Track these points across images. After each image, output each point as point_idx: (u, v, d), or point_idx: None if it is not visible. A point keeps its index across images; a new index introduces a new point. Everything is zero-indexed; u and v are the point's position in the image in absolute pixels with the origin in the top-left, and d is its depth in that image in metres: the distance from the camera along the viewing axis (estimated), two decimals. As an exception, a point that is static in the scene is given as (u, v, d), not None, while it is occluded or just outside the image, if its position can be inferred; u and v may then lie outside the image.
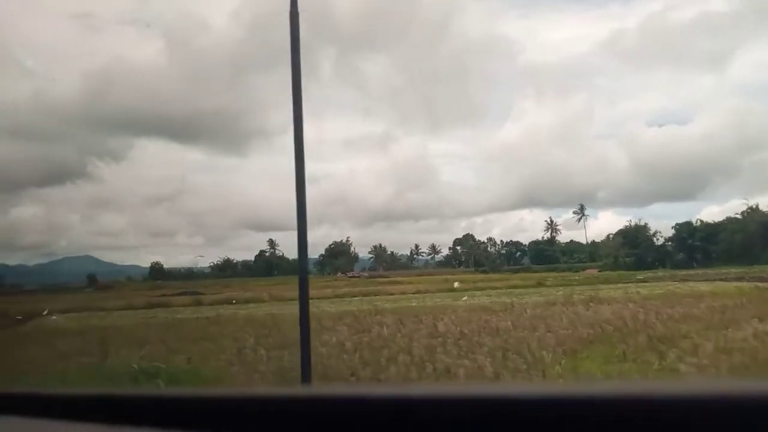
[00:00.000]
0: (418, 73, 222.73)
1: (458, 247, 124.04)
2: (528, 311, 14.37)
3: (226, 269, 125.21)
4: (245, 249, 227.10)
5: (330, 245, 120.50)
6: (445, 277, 61.76)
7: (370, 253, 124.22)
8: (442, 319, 13.23)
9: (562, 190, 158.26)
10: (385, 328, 12.09)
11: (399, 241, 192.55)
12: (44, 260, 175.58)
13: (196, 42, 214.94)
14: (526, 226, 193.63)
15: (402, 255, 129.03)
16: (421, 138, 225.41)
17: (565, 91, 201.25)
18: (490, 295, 26.54)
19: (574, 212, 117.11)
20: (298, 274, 5.59)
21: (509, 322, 11.67)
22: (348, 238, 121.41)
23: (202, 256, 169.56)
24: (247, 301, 30.65)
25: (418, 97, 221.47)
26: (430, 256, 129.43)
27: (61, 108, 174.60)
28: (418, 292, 33.27)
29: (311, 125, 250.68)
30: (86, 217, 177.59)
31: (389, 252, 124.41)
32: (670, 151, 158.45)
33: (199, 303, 31.12)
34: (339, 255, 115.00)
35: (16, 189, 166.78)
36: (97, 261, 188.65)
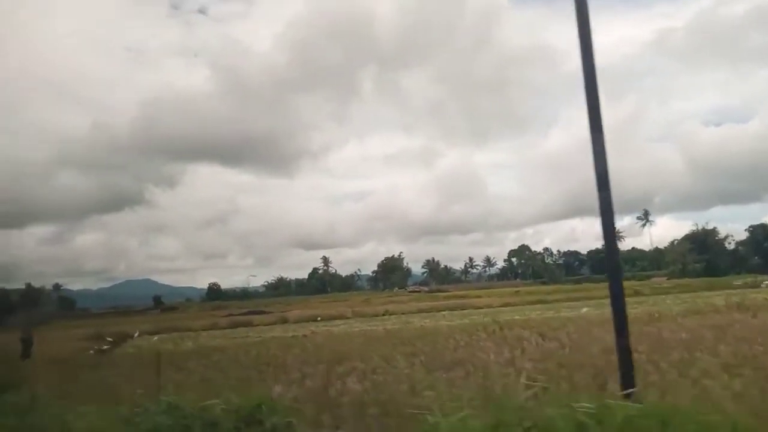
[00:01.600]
0: (459, 84, 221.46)
1: (513, 259, 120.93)
2: (688, 320, 12.67)
3: (280, 288, 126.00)
4: (294, 267, 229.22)
5: (382, 261, 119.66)
6: (515, 289, 59.54)
7: (423, 267, 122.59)
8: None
9: (614, 196, 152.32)
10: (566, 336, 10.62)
11: (447, 254, 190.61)
12: (106, 284, 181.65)
13: (242, 68, 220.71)
14: (579, 236, 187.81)
15: (454, 269, 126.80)
16: (464, 150, 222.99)
17: (614, 94, 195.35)
18: (604, 306, 24.68)
19: (638, 218, 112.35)
20: (608, 272, 4.44)
21: (711, 333, 9.99)
22: (400, 252, 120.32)
23: (254, 276, 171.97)
24: (332, 318, 29.75)
25: (460, 109, 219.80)
26: (484, 269, 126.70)
27: (118, 138, 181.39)
28: (507, 305, 31.64)
29: (354, 144, 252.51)
30: (144, 241, 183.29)
31: (443, 266, 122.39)
32: (729, 150, 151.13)
33: (285, 321, 30.43)
34: (392, 271, 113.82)
35: (80, 217, 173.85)
36: (155, 284, 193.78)
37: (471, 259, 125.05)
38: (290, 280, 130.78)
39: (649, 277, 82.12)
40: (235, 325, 29.81)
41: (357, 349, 12.53)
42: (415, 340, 13.41)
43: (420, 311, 30.49)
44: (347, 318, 29.98)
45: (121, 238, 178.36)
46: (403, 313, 30.18)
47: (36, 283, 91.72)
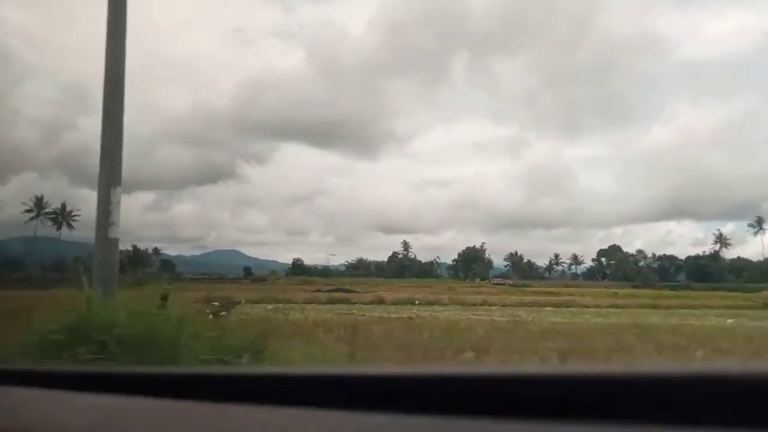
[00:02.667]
0: (555, 73, 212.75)
1: (603, 259, 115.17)
2: None
3: (360, 268, 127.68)
4: (373, 250, 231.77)
5: (463, 250, 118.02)
6: (612, 290, 56.34)
7: (505, 260, 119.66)
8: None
9: (719, 200, 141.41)
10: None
11: (528, 249, 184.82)
12: (197, 252, 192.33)
13: (336, 50, 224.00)
14: (674, 239, 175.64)
15: (537, 264, 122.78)
16: (556, 142, 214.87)
17: (726, 90, 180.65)
18: (738, 317, 22.46)
19: (750, 225, 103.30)
20: None
21: None
22: (483, 243, 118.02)
23: (333, 255, 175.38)
24: (430, 303, 29.21)
25: (554, 99, 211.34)
26: (569, 267, 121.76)
27: (216, 115, 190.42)
28: (614, 306, 29.68)
29: (440, 130, 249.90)
30: (234, 214, 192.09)
31: (526, 260, 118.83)
32: None
33: (381, 301, 30.27)
34: (474, 261, 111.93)
35: (178, 187, 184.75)
36: (242, 255, 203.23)
37: (557, 256, 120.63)
38: (370, 261, 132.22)
39: (759, 290, 75.19)
40: (332, 301, 29.96)
41: (505, 339, 11.84)
42: (560, 337, 12.49)
43: (522, 304, 29.24)
44: (445, 304, 29.30)
45: (214, 209, 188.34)
46: (503, 305, 29.08)
47: (140, 246, 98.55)
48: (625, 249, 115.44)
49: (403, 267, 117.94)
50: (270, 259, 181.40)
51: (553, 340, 11.95)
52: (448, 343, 11.19)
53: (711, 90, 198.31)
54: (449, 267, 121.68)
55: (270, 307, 24.21)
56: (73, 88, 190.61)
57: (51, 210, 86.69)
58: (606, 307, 29.03)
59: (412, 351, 9.77)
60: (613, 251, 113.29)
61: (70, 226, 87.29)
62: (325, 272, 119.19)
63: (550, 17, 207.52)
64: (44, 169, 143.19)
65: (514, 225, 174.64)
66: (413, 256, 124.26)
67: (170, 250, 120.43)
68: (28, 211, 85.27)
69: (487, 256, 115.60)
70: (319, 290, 53.22)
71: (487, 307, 27.93)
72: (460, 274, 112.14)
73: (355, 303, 29.46)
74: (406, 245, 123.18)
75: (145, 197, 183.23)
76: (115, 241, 7.47)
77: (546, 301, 31.99)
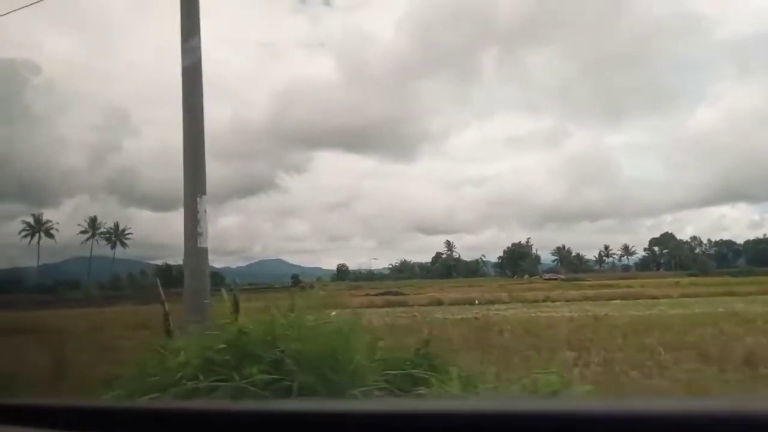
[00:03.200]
0: (590, 60, 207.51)
1: (655, 248, 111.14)
2: None
3: (404, 270, 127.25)
4: (414, 251, 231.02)
5: (508, 247, 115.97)
6: (673, 280, 54.11)
7: (552, 254, 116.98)
8: None
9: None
10: None
11: (574, 242, 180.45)
12: (243, 263, 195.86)
13: (365, 56, 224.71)
14: (728, 224, 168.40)
15: (586, 257, 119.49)
16: (596, 130, 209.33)
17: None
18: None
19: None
20: None
21: None
22: (528, 239, 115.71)
23: (376, 259, 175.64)
24: (490, 302, 28.44)
25: (591, 87, 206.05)
26: (621, 258, 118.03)
27: (253, 128, 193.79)
28: (684, 295, 28.23)
29: (475, 127, 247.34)
30: (276, 223, 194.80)
31: (574, 254, 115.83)
32: None
33: (440, 303, 29.71)
34: (520, 257, 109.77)
35: (222, 201, 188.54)
36: (286, 263, 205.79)
37: (606, 247, 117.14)
38: (413, 263, 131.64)
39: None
40: (389, 304, 29.59)
41: (594, 336, 11.14)
42: (653, 331, 11.70)
43: (585, 299, 28.14)
44: (506, 302, 28.47)
45: (257, 220, 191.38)
46: (566, 300, 28.05)
47: (177, 261, 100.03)
48: (678, 237, 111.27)
49: (448, 267, 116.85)
50: (313, 266, 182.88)
51: (647, 334, 11.17)
52: (537, 343, 10.59)
53: (756, 67, 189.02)
54: (495, 265, 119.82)
55: (333, 313, 23.86)
56: (115, 111, 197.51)
57: (105, 230, 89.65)
58: (677, 297, 27.62)
59: (508, 353, 9.21)
60: (666, 239, 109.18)
61: (123, 245, 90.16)
62: (370, 276, 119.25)
63: (582, 3, 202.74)
64: (93, 191, 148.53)
65: (557, 218, 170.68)
66: (457, 256, 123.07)
67: (217, 263, 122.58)
68: (83, 232, 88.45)
69: (534, 251, 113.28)
70: (368, 294, 52.98)
71: (550, 304, 26.99)
72: (506, 271, 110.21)
73: (412, 305, 28.96)
74: (449, 245, 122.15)
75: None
76: (205, 250, 7.24)
77: (609, 294, 30.75)
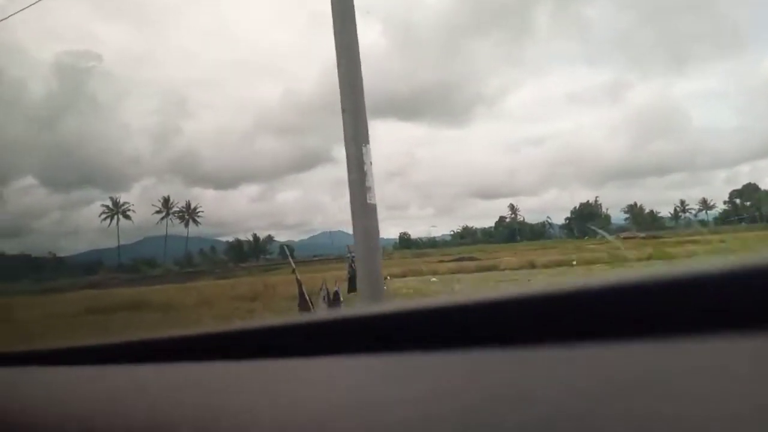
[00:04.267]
0: (650, 6, 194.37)
1: (737, 200, 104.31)
2: None
3: (466, 237, 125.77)
4: (473, 217, 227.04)
5: (576, 207, 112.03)
6: (761, 233, 50.23)
7: (623, 212, 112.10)
8: None
9: None
10: None
11: (642, 199, 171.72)
12: (305, 236, 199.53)
13: (412, 20, 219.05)
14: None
15: (660, 214, 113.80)
16: (661, 80, 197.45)
17: None
18: None
19: None
20: None
21: None
22: (596, 197, 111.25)
23: (434, 226, 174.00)
24: (589, 263, 26.86)
25: (652, 35, 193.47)
26: (698, 213, 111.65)
27: (305, 102, 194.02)
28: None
29: (530, 85, 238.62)
30: (334, 195, 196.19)
31: (647, 211, 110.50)
32: None
33: (532, 265, 28.42)
34: (589, 217, 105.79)
35: (279, 176, 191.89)
36: (347, 234, 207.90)
37: (683, 202, 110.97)
38: (476, 229, 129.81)
39: None
40: (480, 269, 28.59)
41: None
42: None
43: (692, 254, 26.07)
44: (608, 262, 26.78)
45: (315, 193, 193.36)
46: (672, 258, 26.08)
47: (248, 236, 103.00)
48: (762, 187, 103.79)
49: (512, 231, 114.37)
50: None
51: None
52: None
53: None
54: (562, 227, 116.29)
55: (434, 279, 23.15)
56: (171, 95, 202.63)
57: (177, 209, 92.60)
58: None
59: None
60: (749, 191, 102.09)
61: (196, 222, 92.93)
62: (432, 243, 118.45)
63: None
64: (159, 173, 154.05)
65: (622, 176, 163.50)
66: (522, 219, 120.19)
67: (279, 237, 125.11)
68: (158, 212, 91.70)
69: (604, 210, 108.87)
70: (442, 261, 52.15)
71: (654, 261, 25.15)
72: (575, 232, 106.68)
73: (503, 269, 27.79)
74: (513, 208, 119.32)
75: (249, 189, 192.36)
76: (374, 207, 6.35)
77: (717, 248, 28.46)
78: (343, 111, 6.53)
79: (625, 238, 75.30)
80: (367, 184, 6.28)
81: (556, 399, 0.31)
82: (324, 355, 0.51)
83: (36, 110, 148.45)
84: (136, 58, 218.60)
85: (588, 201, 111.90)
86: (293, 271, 11.66)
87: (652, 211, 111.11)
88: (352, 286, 14.49)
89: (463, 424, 0.32)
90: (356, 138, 6.37)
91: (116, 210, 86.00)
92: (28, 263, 79.02)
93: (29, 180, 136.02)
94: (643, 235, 76.28)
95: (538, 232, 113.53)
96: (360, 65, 6.62)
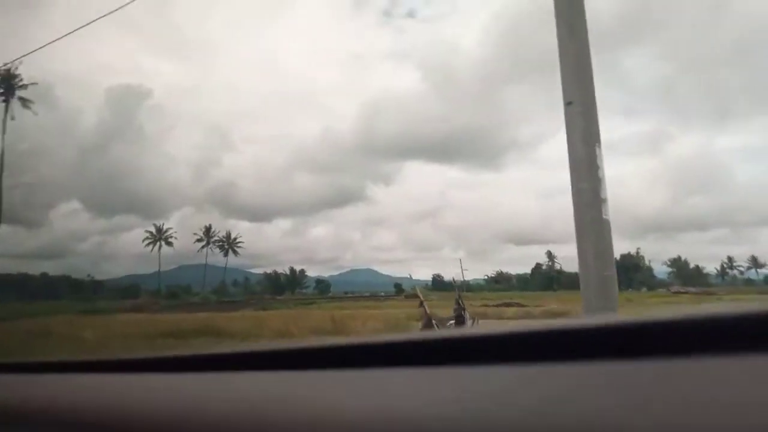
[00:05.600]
0: (692, 58, 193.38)
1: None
2: None
3: (501, 282, 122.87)
4: (506, 262, 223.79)
5: (616, 258, 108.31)
6: None
7: (667, 265, 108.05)
8: None
9: None
10: None
11: (681, 254, 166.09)
12: (335, 272, 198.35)
13: (450, 65, 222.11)
14: None
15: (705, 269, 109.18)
16: (702, 133, 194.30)
17: None
18: None
19: None
20: None
21: None
22: (638, 249, 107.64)
23: (466, 270, 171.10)
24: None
25: (695, 86, 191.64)
26: (747, 270, 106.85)
27: (342, 141, 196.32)
28: None
29: (562, 135, 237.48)
30: (365, 233, 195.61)
31: (692, 265, 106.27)
32: None
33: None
34: (632, 269, 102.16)
35: (312, 212, 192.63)
36: (376, 273, 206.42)
37: (730, 259, 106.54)
38: (510, 274, 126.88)
39: None
40: (547, 315, 26.85)
41: None
42: None
43: None
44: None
45: (346, 230, 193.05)
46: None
47: (279, 269, 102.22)
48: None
49: (549, 279, 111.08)
50: (403, 275, 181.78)
51: None
52: None
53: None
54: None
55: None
56: (215, 129, 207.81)
57: (218, 238, 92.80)
58: None
59: None
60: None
61: (235, 253, 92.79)
62: (467, 287, 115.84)
63: (679, 0, 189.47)
64: (198, 203, 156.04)
65: (661, 228, 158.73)
66: (559, 267, 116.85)
67: (309, 272, 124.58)
68: (198, 240, 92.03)
69: (647, 262, 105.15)
70: (485, 305, 50.27)
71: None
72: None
73: (553, 316, 26.02)
74: (551, 256, 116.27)
75: (283, 223, 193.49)
76: (608, 224, 5.09)
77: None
78: (568, 104, 5.35)
79: (674, 293, 71.84)
80: (602, 195, 5.04)
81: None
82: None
83: (87, 138, 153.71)
84: (183, 91, 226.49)
85: (629, 252, 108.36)
86: (421, 303, 11.46)
87: (697, 266, 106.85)
88: (459, 323, 13.44)
89: None
90: (586, 137, 5.18)
91: (159, 236, 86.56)
92: (69, 284, 79.61)
93: (75, 204, 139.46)
94: (695, 290, 72.91)
95: (576, 282, 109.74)
96: (589, 49, 5.47)
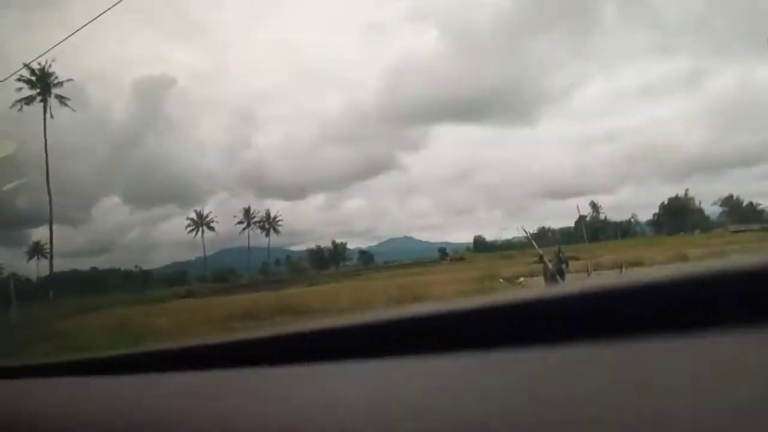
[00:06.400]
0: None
1: None
2: None
3: (544, 237, 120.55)
4: (545, 218, 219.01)
5: (663, 203, 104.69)
6: None
7: (718, 206, 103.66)
8: None
9: None
10: None
11: (728, 192, 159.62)
12: (373, 243, 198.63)
13: (470, 20, 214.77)
14: None
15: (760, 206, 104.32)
16: (743, 65, 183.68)
17: None
18: None
19: None
20: None
21: None
22: (687, 190, 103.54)
23: (505, 229, 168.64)
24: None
25: (732, 16, 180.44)
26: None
27: (367, 111, 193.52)
28: None
29: (600, 79, 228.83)
30: (400, 202, 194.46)
31: (746, 203, 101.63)
32: None
33: (684, 258, 24.99)
34: (681, 213, 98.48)
35: (345, 185, 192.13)
36: (415, 240, 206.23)
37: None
38: (554, 229, 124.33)
39: None
40: (621, 265, 25.37)
41: None
42: None
43: None
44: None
45: (380, 200, 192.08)
46: None
47: (320, 244, 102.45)
48: None
49: (596, 230, 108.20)
50: (442, 240, 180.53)
51: None
52: None
53: None
54: (649, 223, 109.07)
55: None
56: (241, 111, 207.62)
57: (258, 219, 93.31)
58: None
59: None
60: None
61: (276, 232, 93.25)
62: (509, 246, 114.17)
63: None
64: (231, 187, 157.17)
65: (703, 168, 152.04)
66: (604, 218, 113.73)
67: (348, 244, 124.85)
68: (239, 222, 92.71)
69: (697, 204, 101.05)
70: (536, 261, 48.90)
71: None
72: (664, 229, 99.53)
73: (651, 266, 24.42)
74: (595, 206, 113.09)
75: (317, 199, 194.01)
76: None
77: None
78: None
79: (734, 232, 68.75)
80: None
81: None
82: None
83: (119, 133, 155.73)
84: (206, 77, 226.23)
85: (677, 195, 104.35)
86: (540, 258, 11.11)
87: (751, 203, 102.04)
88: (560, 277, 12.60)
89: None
90: None
91: (201, 222, 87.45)
92: (119, 276, 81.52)
93: (115, 199, 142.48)
94: (757, 227, 69.61)
95: (625, 231, 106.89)
96: None
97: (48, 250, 59.75)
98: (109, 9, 10.72)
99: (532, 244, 13.60)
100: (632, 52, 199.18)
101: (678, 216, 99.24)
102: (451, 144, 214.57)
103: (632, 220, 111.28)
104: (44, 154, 54.58)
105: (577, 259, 47.66)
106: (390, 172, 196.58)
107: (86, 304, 35.45)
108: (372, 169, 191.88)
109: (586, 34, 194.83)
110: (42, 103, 57.00)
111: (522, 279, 20.77)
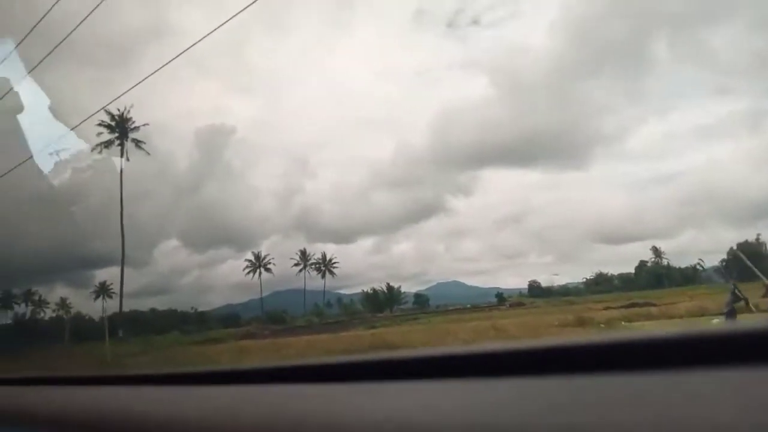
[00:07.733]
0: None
1: None
2: None
3: (600, 283, 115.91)
4: (598, 263, 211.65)
5: (732, 248, 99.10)
6: None
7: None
8: None
9: None
10: None
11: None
12: (422, 287, 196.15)
13: (519, 66, 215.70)
14: None
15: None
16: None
17: None
18: None
19: None
20: None
21: None
22: (758, 235, 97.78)
23: (557, 275, 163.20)
24: None
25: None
26: None
27: (416, 155, 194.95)
28: None
29: (653, 121, 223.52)
30: (448, 246, 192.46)
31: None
32: None
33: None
34: (753, 258, 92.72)
35: (394, 229, 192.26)
36: (463, 285, 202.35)
37: None
38: (611, 275, 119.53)
39: None
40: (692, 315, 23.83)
41: None
42: None
43: None
44: None
45: (429, 244, 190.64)
46: None
47: (375, 287, 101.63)
48: None
49: (658, 276, 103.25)
50: (491, 286, 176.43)
51: None
52: None
53: None
54: (716, 269, 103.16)
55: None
56: (295, 158, 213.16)
57: (314, 261, 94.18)
58: None
59: None
60: None
61: (332, 273, 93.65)
62: (565, 292, 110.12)
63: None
64: (284, 230, 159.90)
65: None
66: (666, 263, 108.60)
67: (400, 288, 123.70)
68: (296, 264, 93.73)
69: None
70: (609, 307, 46.66)
71: None
72: (732, 275, 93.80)
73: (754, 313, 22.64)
74: (657, 251, 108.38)
75: (366, 242, 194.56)
76: None
77: None
78: None
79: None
80: None
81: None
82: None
83: (181, 179, 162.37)
84: (262, 125, 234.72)
85: (747, 240, 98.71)
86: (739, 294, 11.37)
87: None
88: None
89: None
90: None
91: (258, 264, 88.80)
92: (176, 317, 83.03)
93: (174, 242, 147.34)
94: None
95: (689, 277, 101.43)
96: None
97: (113, 290, 61.64)
98: (169, 62, 12.23)
99: (754, 271, 14.86)
100: (685, 93, 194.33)
101: (750, 261, 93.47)
102: (500, 188, 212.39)
103: (699, 265, 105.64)
104: (119, 198, 57.27)
105: (654, 305, 45.21)
106: (439, 216, 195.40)
107: (145, 343, 35.93)
108: (421, 213, 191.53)
109: (637, 76, 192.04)
110: (119, 147, 59.91)
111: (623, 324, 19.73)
